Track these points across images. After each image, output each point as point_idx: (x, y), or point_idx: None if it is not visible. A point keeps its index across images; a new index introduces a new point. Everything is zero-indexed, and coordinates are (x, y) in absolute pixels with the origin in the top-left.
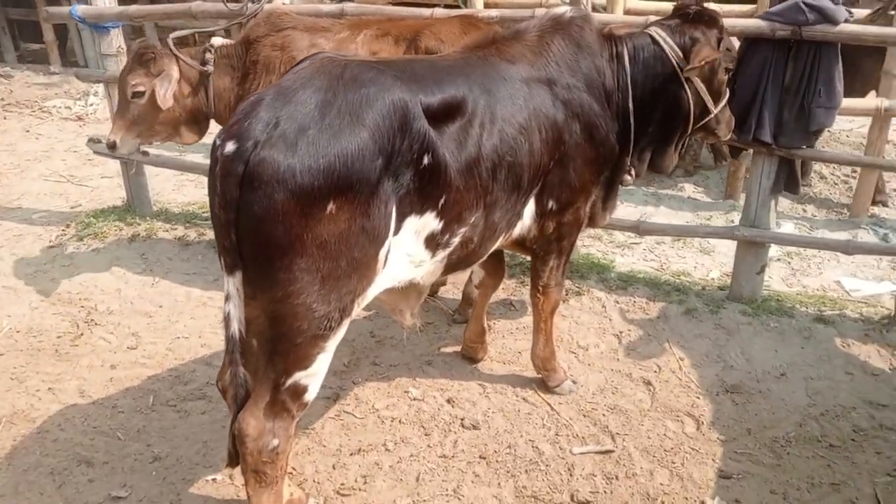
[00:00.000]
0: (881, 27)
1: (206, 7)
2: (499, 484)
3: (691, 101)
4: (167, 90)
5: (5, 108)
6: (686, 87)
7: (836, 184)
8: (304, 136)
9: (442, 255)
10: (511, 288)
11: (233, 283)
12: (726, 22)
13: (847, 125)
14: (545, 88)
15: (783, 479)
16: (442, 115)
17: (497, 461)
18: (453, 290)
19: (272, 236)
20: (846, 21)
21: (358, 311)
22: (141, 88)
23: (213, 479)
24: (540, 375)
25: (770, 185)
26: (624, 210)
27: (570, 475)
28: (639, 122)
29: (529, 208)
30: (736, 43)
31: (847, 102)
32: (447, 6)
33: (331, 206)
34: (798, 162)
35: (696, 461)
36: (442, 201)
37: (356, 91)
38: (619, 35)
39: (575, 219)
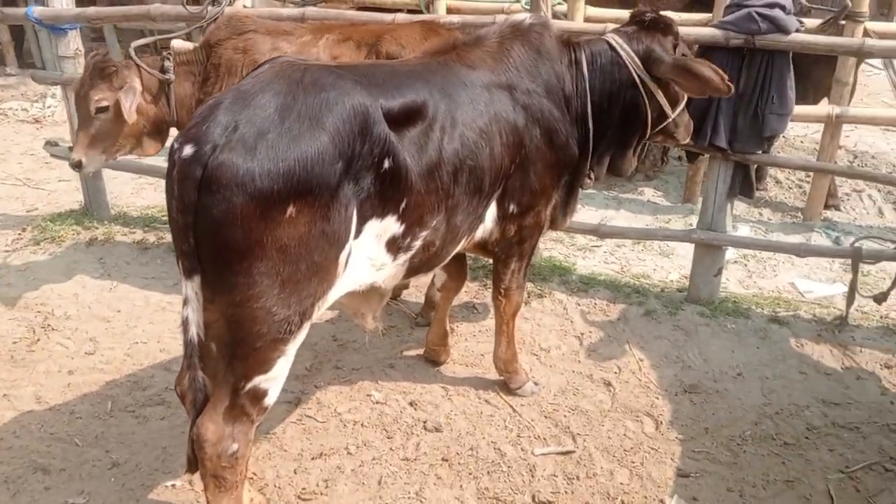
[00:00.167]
0: (831, 37)
1: (166, 10)
2: (461, 486)
3: (648, 106)
4: (132, 103)
5: None
6: (643, 92)
7: (790, 188)
8: (263, 140)
9: (403, 258)
10: (474, 291)
11: (191, 287)
12: (683, 30)
13: (801, 131)
14: (505, 93)
15: (739, 476)
16: (402, 119)
17: (459, 463)
18: (416, 293)
19: (231, 240)
20: (797, 31)
21: (318, 314)
22: (105, 103)
23: (173, 485)
24: (502, 378)
25: (726, 189)
26: (585, 213)
27: (532, 476)
28: (597, 126)
29: (491, 212)
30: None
31: (800, 109)
32: (410, 11)
33: (290, 210)
34: (753, 167)
35: (656, 460)
36: (403, 205)
37: (316, 95)
38: (577, 41)
39: (536, 222)
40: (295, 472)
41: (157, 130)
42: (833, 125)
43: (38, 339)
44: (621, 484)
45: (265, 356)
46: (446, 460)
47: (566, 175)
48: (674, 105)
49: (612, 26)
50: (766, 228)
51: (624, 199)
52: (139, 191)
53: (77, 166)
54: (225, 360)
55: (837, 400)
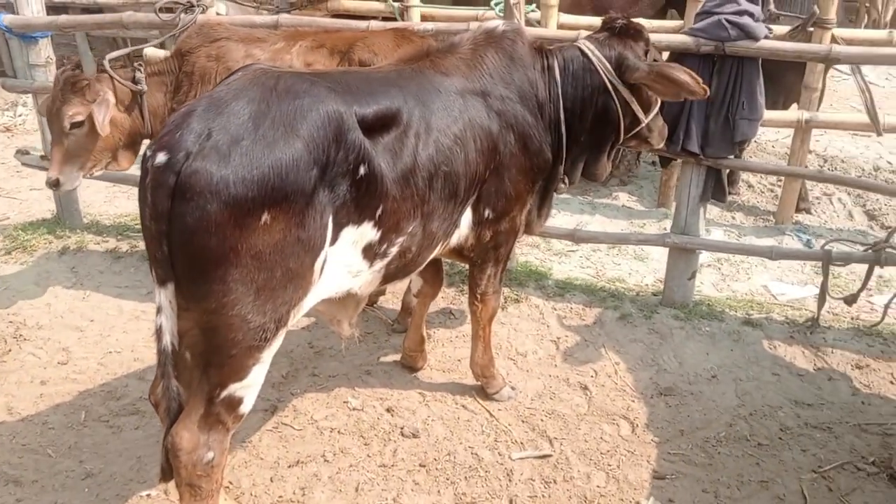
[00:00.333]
0: (798, 43)
1: (139, 18)
2: (438, 491)
3: (621, 111)
4: (105, 116)
5: None
6: (615, 97)
7: (762, 192)
8: (237, 147)
9: (380, 264)
10: (450, 297)
11: (165, 295)
12: (654, 37)
13: (773, 136)
14: (479, 100)
15: (714, 477)
16: (377, 126)
17: (437, 469)
18: (393, 299)
19: (206, 247)
20: (766, 37)
21: (294, 321)
22: (80, 118)
23: (148, 495)
24: (479, 383)
25: (699, 193)
26: (561, 219)
27: (510, 480)
28: (570, 131)
29: (466, 217)
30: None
31: (770, 114)
32: (384, 19)
33: (265, 217)
34: (725, 171)
35: (632, 463)
36: (379, 211)
37: (290, 102)
38: (550, 48)
39: (511, 227)
40: (271, 481)
41: (132, 143)
42: (803, 130)
43: (10, 350)
44: (598, 487)
45: (240, 364)
46: (424, 466)
47: (540, 180)
48: (647, 110)
49: (584, 33)
50: (739, 232)
51: (599, 204)
52: (112, 199)
53: (55, 185)
54: (199, 368)
55: (810, 401)
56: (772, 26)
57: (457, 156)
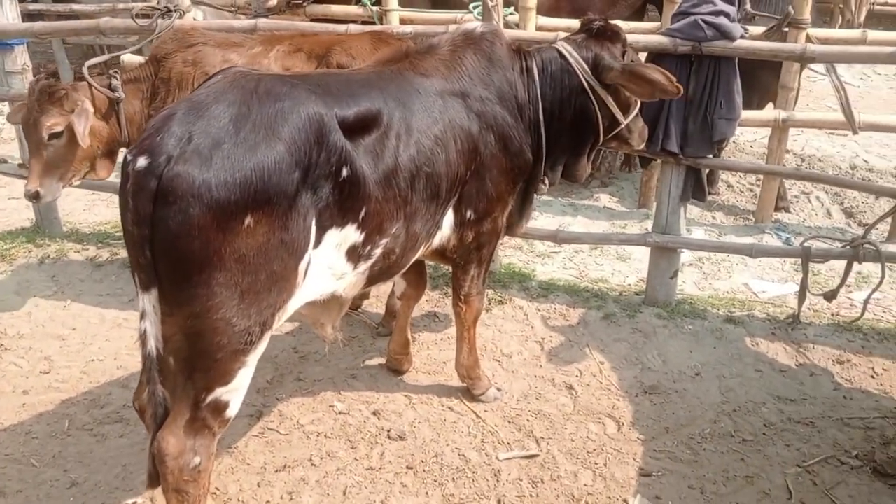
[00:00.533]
0: (774, 42)
1: (116, 24)
2: (426, 493)
3: (599, 112)
4: (85, 126)
5: None
6: (593, 98)
7: (742, 191)
8: (218, 151)
9: (364, 266)
10: (435, 299)
11: (148, 300)
12: (632, 38)
13: (751, 136)
14: (459, 101)
15: (700, 474)
16: (358, 127)
17: (424, 471)
18: (377, 303)
19: (189, 251)
20: (742, 37)
21: (279, 324)
22: (59, 128)
23: (134, 503)
24: (465, 384)
25: (679, 193)
26: (543, 220)
27: (497, 481)
28: (550, 132)
29: (448, 218)
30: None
31: (748, 114)
32: (363, 23)
33: (248, 220)
34: (704, 171)
35: (618, 461)
36: (362, 213)
37: (271, 105)
38: (528, 50)
39: (493, 228)
40: (258, 486)
41: (110, 151)
42: (780, 129)
43: None
44: (585, 485)
45: (226, 368)
46: (411, 468)
47: (521, 181)
48: (625, 111)
49: (563, 35)
50: (720, 231)
51: (581, 205)
52: (91, 207)
53: (34, 197)
54: (185, 372)
55: (793, 396)
56: (748, 26)
57: (438, 156)
